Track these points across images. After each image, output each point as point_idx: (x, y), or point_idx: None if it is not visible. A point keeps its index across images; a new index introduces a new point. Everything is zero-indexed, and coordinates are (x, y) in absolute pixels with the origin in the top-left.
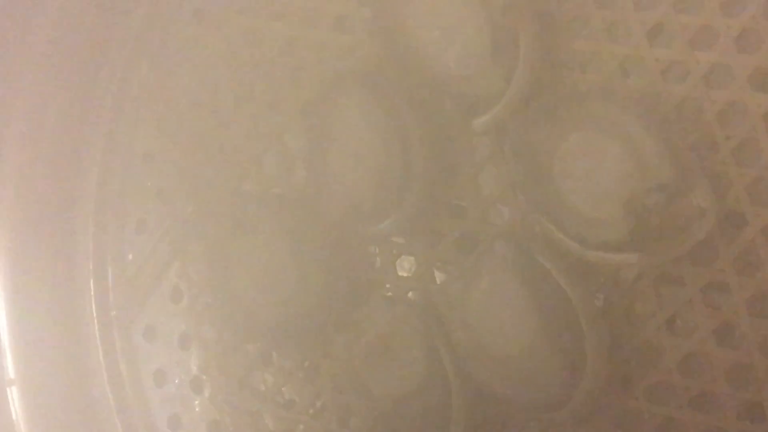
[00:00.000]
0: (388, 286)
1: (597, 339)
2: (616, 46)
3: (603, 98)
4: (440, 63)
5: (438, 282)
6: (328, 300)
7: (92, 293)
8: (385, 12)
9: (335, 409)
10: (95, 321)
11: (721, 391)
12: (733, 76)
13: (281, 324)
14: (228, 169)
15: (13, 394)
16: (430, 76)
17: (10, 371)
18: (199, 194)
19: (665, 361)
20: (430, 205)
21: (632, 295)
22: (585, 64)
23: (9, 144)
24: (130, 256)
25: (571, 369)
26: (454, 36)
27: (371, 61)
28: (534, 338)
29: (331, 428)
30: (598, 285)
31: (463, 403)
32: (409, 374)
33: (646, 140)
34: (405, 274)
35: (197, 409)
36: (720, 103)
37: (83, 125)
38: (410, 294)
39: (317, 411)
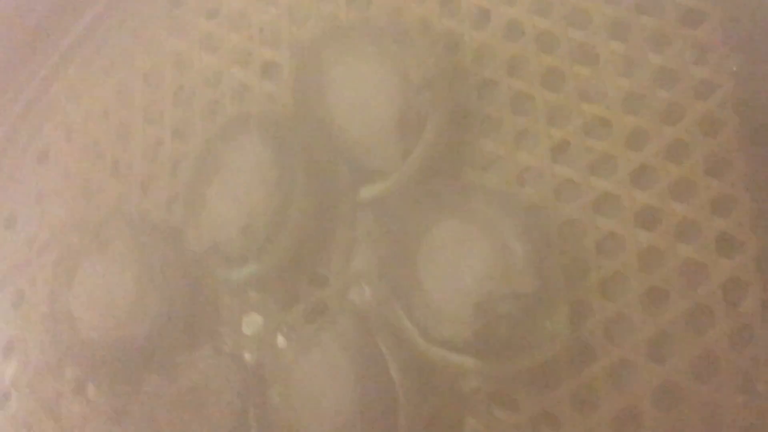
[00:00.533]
0: (226, 340)
1: None
2: (521, 153)
3: (489, 199)
4: (346, 127)
5: (279, 347)
6: (159, 336)
7: None
8: (310, 68)
9: None
10: None
11: None
12: (620, 208)
13: (105, 349)
14: (115, 185)
15: None
16: (333, 137)
17: None
18: (76, 204)
19: None
20: (294, 266)
21: (465, 409)
22: (487, 164)
23: None
24: None
25: None
26: (366, 103)
27: (282, 111)
28: (346, 425)
29: None
30: (433, 389)
31: None
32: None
33: (519, 248)
34: (248, 333)
35: None
36: (603, 231)
37: None
38: (246, 354)
39: None
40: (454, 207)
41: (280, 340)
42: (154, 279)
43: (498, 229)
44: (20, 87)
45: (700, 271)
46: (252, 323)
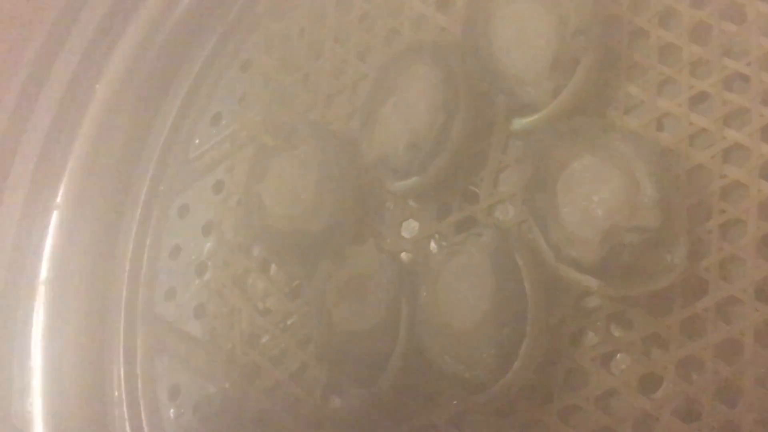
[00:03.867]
0: (388, 240)
1: (534, 346)
2: (662, 100)
3: (628, 139)
4: (506, 62)
5: (431, 250)
6: (332, 230)
7: (153, 169)
8: (480, 5)
9: (300, 330)
10: (144, 192)
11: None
12: (748, 160)
13: (287, 236)
14: (303, 95)
15: None
16: (494, 70)
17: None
18: (271, 108)
19: (588, 389)
20: (450, 182)
21: (586, 324)
22: (629, 108)
23: None
24: (197, 141)
25: (502, 362)
26: (524, 42)
27: (452, 42)
28: (482, 323)
29: (290, 346)
30: (559, 302)
31: (403, 356)
32: (369, 316)
33: (649, 186)
34: (406, 236)
35: (192, 289)
36: (729, 179)
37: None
38: (403, 254)
39: (285, 327)
40: (594, 144)
41: (432, 245)
42: (331, 181)
43: (631, 168)
44: (227, 4)
45: None
46: (410, 228)
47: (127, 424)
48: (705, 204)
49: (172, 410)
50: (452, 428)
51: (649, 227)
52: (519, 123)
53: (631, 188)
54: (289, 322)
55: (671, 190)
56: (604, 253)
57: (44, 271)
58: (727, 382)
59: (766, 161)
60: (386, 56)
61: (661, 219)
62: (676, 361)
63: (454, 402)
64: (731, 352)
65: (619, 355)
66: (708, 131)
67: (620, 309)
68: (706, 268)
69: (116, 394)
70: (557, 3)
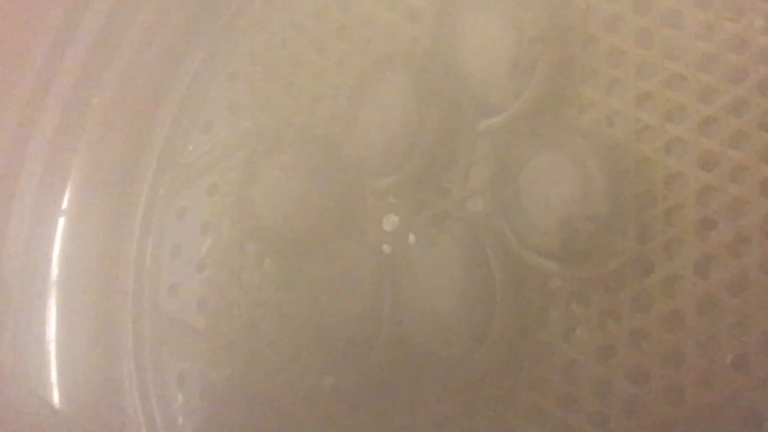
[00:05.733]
0: (370, 233)
1: (504, 324)
2: (611, 99)
3: (582, 135)
4: (471, 69)
5: (410, 242)
6: (319, 225)
7: (151, 175)
8: (445, 15)
9: (294, 319)
10: (144, 197)
11: (583, 397)
12: (687, 151)
13: (278, 233)
14: (288, 102)
15: None
16: (461, 77)
17: None
18: (258, 115)
19: (553, 361)
20: (425, 179)
21: (549, 303)
22: (583, 107)
23: None
24: (191, 147)
25: (475, 340)
26: (487, 50)
27: (422, 51)
28: (456, 305)
29: (288, 332)
30: (524, 285)
31: (387, 338)
32: (356, 303)
33: (601, 179)
34: (387, 229)
35: (193, 284)
36: (671, 169)
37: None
38: (384, 246)
39: (283, 316)
40: (551, 141)
41: (411, 237)
42: (317, 181)
43: (585, 162)
44: (213, 20)
45: (745, 206)
46: (390, 222)
47: (139, 411)
48: (650, 192)
49: (180, 396)
50: (433, 401)
51: (601, 215)
52: (485, 124)
53: (585, 180)
54: (284, 312)
55: (621, 181)
56: (562, 239)
57: (54, 273)
58: (671, 349)
59: (702, 153)
60: (363, 65)
61: (611, 207)
62: (627, 332)
63: (435, 377)
64: (675, 322)
65: (578, 329)
66: (652, 127)
67: (579, 288)
68: (653, 249)
69: (127, 384)
70: (516, 14)
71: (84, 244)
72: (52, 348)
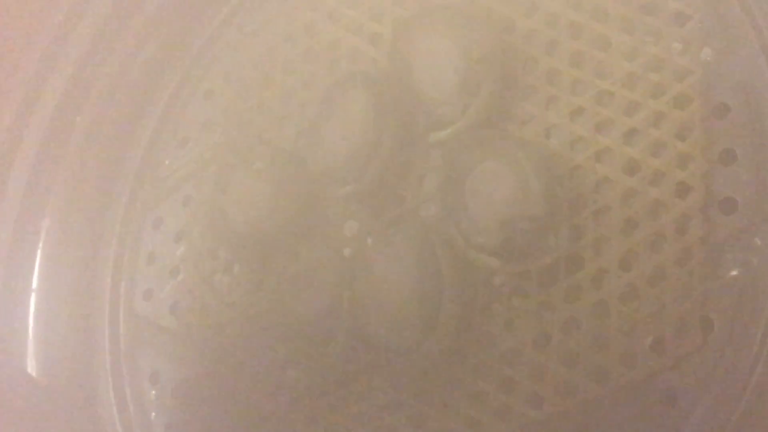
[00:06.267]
0: (332, 238)
1: (450, 316)
2: (549, 114)
3: (522, 146)
4: (423, 86)
5: (368, 245)
6: (285, 231)
7: (129, 189)
8: (402, 39)
9: (261, 317)
10: (122, 209)
11: (522, 380)
12: (613, 159)
13: (247, 238)
14: (258, 119)
15: None
16: (415, 94)
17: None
18: (231, 131)
19: (495, 349)
20: (382, 187)
21: (492, 297)
22: (524, 121)
23: None
24: (167, 162)
25: (425, 330)
26: (438, 69)
27: (381, 72)
28: (408, 300)
29: (255, 330)
30: (470, 281)
31: (346, 332)
32: (318, 301)
33: (538, 184)
34: (348, 234)
35: (167, 289)
36: (600, 175)
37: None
38: (345, 250)
39: (251, 316)
40: (495, 151)
41: (369, 240)
42: (285, 190)
43: (524, 169)
44: (191, 42)
45: (662, 208)
46: (350, 227)
47: (114, 408)
48: (582, 196)
49: (153, 392)
50: (389, 388)
51: (538, 216)
52: (436, 136)
53: (524, 185)
54: (252, 312)
55: (555, 186)
56: (503, 238)
57: (36, 280)
58: (598, 335)
59: (627, 160)
60: (327, 84)
61: (547, 209)
62: (561, 321)
63: (389, 366)
64: (602, 311)
65: (518, 320)
66: (584, 138)
67: (518, 283)
68: (583, 247)
69: (104, 382)
70: (463, 37)
71: (64, 253)
72: (31, 350)
